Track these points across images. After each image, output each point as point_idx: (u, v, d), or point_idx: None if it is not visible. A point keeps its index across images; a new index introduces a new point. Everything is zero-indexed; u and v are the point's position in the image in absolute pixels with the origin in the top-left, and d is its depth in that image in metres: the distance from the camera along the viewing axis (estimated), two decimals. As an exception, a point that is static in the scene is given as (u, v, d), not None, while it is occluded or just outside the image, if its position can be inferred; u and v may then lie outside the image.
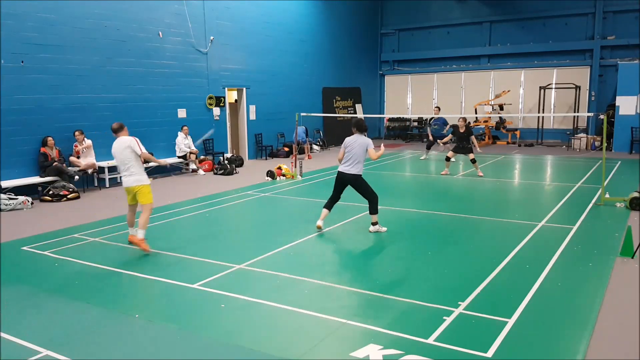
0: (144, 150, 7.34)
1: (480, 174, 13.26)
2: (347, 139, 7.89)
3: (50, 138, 11.47)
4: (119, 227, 8.56)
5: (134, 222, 7.43)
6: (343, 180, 7.90)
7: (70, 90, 12.13)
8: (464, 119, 13.73)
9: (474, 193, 11.62)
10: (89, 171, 11.99)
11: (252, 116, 17.90)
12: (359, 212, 9.27)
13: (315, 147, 20.03)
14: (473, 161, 13.39)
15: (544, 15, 22.12)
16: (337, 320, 4.82)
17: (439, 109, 17.34)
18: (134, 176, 7.24)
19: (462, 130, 13.49)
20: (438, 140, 16.71)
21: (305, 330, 4.72)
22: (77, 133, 11.97)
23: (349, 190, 11.73)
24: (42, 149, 11.37)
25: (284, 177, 13.52)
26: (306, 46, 20.64)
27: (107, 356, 4.26)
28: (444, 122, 17.12)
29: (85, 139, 12.16)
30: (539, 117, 22.15)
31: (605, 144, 10.05)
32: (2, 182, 10.53)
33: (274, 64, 18.73)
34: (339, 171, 7.92)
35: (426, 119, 24.52)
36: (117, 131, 7.44)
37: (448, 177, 13.40)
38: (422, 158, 17.23)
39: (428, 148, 17.19)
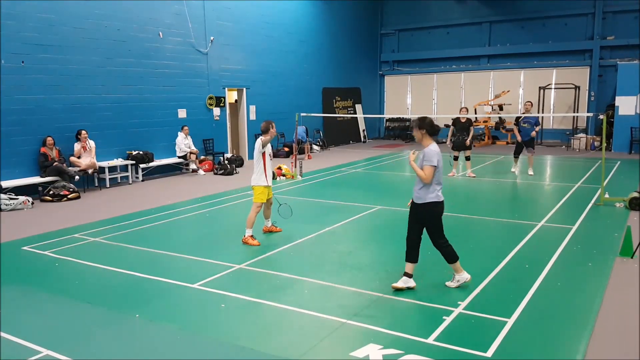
0: (260, 148, 7.52)
1: (472, 174, 13.21)
2: (435, 152, 5.35)
3: (49, 138, 11.48)
4: (119, 227, 8.56)
5: (267, 215, 8.00)
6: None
7: (70, 90, 12.13)
8: (467, 109, 13.57)
9: (474, 193, 11.62)
10: (90, 171, 11.99)
11: (252, 116, 17.91)
12: (360, 212, 9.28)
13: (315, 147, 20.04)
14: (467, 159, 13.35)
15: (543, 16, 22.13)
16: (337, 320, 4.82)
17: (531, 104, 13.97)
18: (252, 175, 7.65)
19: (463, 120, 13.10)
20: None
21: (305, 330, 4.72)
22: (83, 132, 11.98)
23: (348, 190, 11.78)
24: (42, 149, 11.37)
25: (284, 177, 13.53)
26: (306, 46, 20.64)
27: (107, 356, 4.26)
28: (536, 121, 13.44)
29: (89, 139, 12.17)
30: (538, 117, 22.10)
31: (604, 144, 10.05)
32: (2, 182, 10.53)
33: (274, 64, 18.74)
34: (441, 202, 5.49)
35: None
36: (262, 132, 7.64)
37: (447, 178, 13.39)
38: (512, 170, 13.85)
39: (516, 155, 13.68)
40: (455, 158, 13.52)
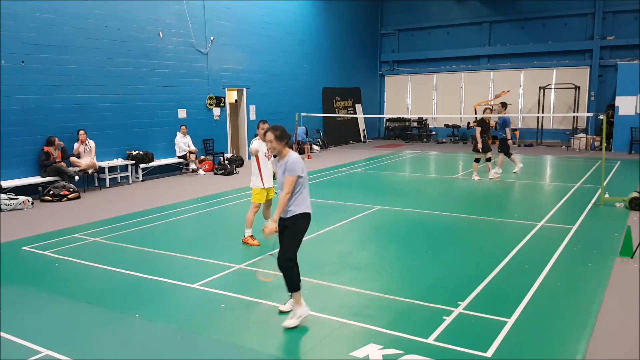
0: (251, 150, 7.44)
1: (478, 177, 12.95)
2: (299, 160, 4.78)
3: (57, 138, 11.49)
4: (119, 227, 8.56)
5: (266, 216, 8.01)
6: None
7: (70, 90, 12.13)
8: (490, 109, 13.28)
9: (474, 193, 11.61)
10: (90, 171, 12.00)
11: (252, 116, 17.90)
12: (360, 212, 9.28)
13: (315, 147, 20.04)
14: (478, 160, 13.07)
15: (543, 16, 22.13)
16: (337, 320, 4.82)
17: (501, 106, 13.89)
18: (251, 176, 7.63)
19: (488, 121, 12.86)
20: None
21: (305, 330, 4.72)
22: (81, 132, 11.98)
23: (348, 190, 11.78)
24: (46, 148, 11.37)
25: (284, 177, 13.50)
26: (306, 46, 20.65)
27: (107, 356, 4.26)
28: (502, 122, 13.58)
29: (89, 139, 12.18)
30: (538, 117, 22.16)
31: (604, 144, 10.06)
32: (2, 182, 10.53)
33: (274, 64, 18.74)
34: (310, 214, 4.92)
35: (426, 119, 24.57)
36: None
37: (448, 178, 13.37)
38: (514, 171, 13.68)
39: (507, 155, 13.60)
40: (489, 159, 13.00)
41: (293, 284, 4.72)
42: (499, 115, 13.73)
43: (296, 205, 4.76)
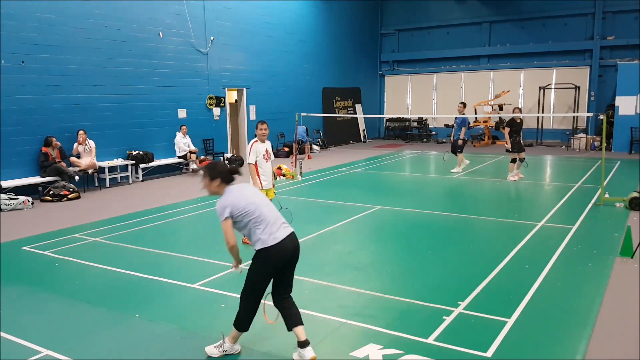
0: (249, 159, 7.41)
1: (520, 176, 12.63)
2: (227, 201, 4.40)
3: (54, 138, 11.49)
4: (119, 227, 8.56)
5: None
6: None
7: (70, 90, 12.13)
8: (520, 109, 13.01)
9: (474, 193, 11.62)
10: (90, 171, 11.99)
11: (252, 116, 17.91)
12: (360, 212, 9.27)
13: (315, 147, 20.04)
14: (515, 160, 12.67)
15: (543, 16, 22.14)
16: (337, 320, 4.82)
17: (462, 106, 14.08)
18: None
19: (518, 121, 12.55)
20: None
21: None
22: (81, 132, 11.98)
23: (348, 190, 11.78)
24: (44, 149, 11.37)
25: (284, 177, 13.53)
26: (306, 46, 20.65)
27: (107, 356, 4.27)
28: (460, 122, 13.90)
29: (89, 139, 12.18)
30: (538, 117, 22.16)
31: (604, 144, 10.06)
32: (2, 182, 10.53)
33: (274, 64, 18.74)
34: (271, 247, 4.22)
35: (426, 119, 24.59)
36: None
37: (448, 178, 13.36)
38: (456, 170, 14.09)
39: (454, 151, 14.10)
40: (522, 159, 12.67)
41: (242, 322, 4.20)
42: (458, 115, 13.90)
43: (253, 243, 4.24)
